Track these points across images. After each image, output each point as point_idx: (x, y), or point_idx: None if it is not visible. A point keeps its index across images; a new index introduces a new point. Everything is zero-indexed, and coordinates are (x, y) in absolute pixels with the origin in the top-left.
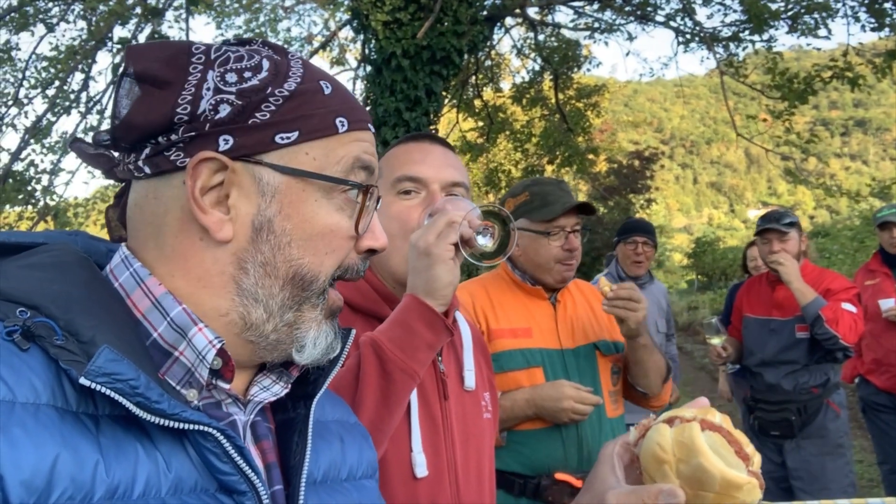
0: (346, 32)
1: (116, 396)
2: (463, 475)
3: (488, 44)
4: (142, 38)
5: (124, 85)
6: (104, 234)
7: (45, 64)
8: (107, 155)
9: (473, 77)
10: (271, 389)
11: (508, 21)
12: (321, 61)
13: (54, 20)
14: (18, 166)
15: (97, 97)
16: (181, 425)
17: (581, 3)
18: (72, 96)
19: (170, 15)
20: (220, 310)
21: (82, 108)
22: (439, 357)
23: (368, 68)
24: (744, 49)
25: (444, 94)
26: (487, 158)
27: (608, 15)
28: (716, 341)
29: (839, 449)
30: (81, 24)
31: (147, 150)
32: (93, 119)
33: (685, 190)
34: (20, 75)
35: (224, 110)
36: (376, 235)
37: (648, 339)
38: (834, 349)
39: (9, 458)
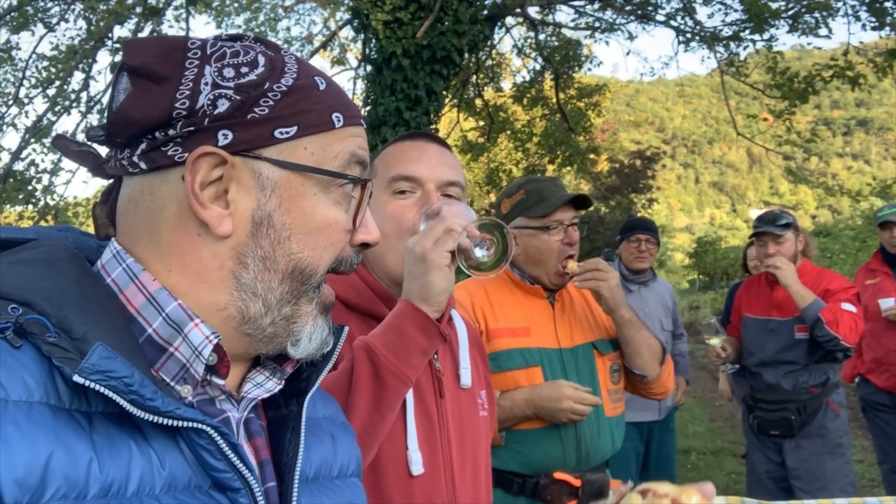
0: (347, 32)
1: (110, 394)
2: (459, 473)
3: (489, 43)
4: None
5: (121, 80)
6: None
7: (45, 63)
8: (92, 152)
9: (474, 76)
10: (265, 386)
11: (509, 21)
12: (321, 61)
13: (54, 20)
14: (19, 166)
15: (97, 97)
16: (175, 422)
17: (582, 3)
18: (72, 96)
19: (170, 15)
20: (219, 304)
21: (83, 108)
22: (435, 355)
23: (369, 68)
24: (745, 48)
25: (444, 93)
26: (488, 158)
27: (609, 14)
28: (714, 342)
29: (839, 448)
30: (81, 23)
31: (143, 146)
32: (93, 118)
33: (687, 189)
34: (20, 75)
35: (223, 105)
36: (370, 229)
37: (632, 314)
38: (835, 350)
39: (2, 457)
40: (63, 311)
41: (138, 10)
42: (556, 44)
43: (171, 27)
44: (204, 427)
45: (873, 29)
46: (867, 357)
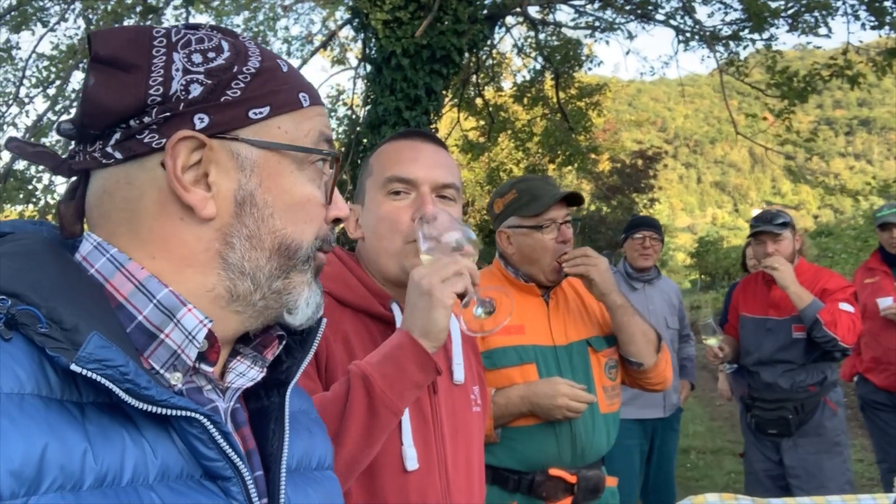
0: (347, 31)
1: (106, 383)
2: (453, 468)
3: (489, 43)
4: None
5: (92, 71)
6: None
7: (45, 63)
8: (48, 152)
9: (474, 76)
10: (247, 375)
11: (509, 20)
12: (322, 60)
13: (54, 19)
14: (19, 165)
15: None
16: (168, 411)
17: (582, 2)
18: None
19: (169, 14)
20: (206, 286)
21: None
22: None
23: (368, 67)
24: (744, 48)
25: (444, 93)
26: (489, 157)
27: (609, 14)
28: (712, 342)
29: (836, 447)
30: (81, 22)
31: (117, 136)
32: None
33: (689, 189)
34: (20, 74)
35: (196, 90)
36: (340, 205)
37: (623, 299)
38: (833, 350)
39: None
40: (52, 301)
41: (138, 9)
42: (556, 43)
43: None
44: (196, 416)
45: (873, 28)
46: (866, 356)
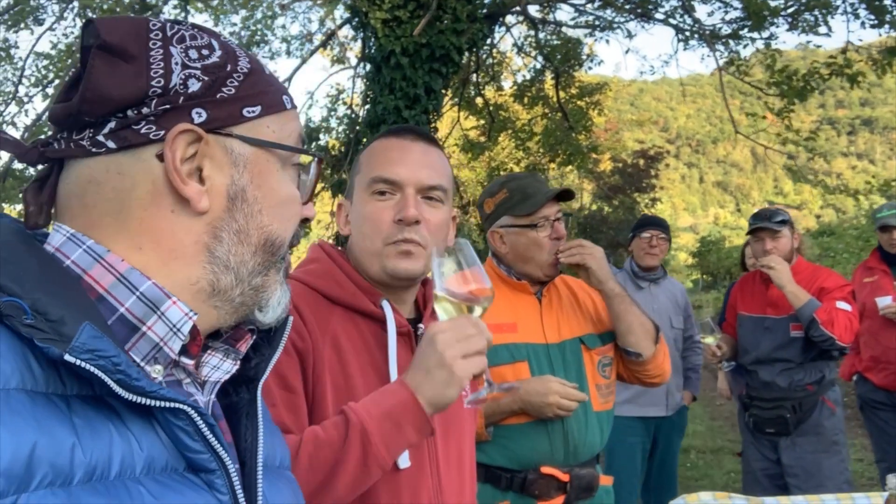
0: (347, 31)
1: (99, 373)
2: (444, 466)
3: (488, 42)
4: None
5: (93, 58)
6: None
7: (44, 62)
8: (10, 140)
9: (474, 75)
10: (222, 368)
11: (509, 19)
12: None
13: (51, 18)
14: (18, 165)
15: None
16: (156, 403)
17: (582, 1)
18: None
19: (168, 12)
20: (191, 279)
21: None
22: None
23: (368, 66)
24: (744, 47)
25: (444, 91)
26: (489, 157)
27: (608, 13)
28: (709, 340)
29: (834, 446)
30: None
31: (111, 125)
32: None
33: (691, 189)
34: (19, 73)
35: (194, 85)
36: (310, 207)
37: (620, 288)
38: (830, 349)
39: None
40: (35, 293)
41: (136, 7)
42: (556, 43)
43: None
44: (184, 407)
45: (872, 27)
46: (865, 355)
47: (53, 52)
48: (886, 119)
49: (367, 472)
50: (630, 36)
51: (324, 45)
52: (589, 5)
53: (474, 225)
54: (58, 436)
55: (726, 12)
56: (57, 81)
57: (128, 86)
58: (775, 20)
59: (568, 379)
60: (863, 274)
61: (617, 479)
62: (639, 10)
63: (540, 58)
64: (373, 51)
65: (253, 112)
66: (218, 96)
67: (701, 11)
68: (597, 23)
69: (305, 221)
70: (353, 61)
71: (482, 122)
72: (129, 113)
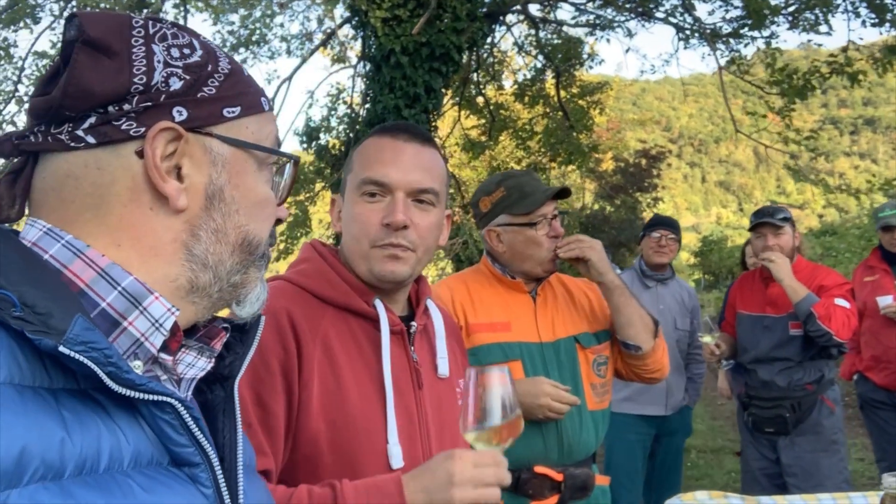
0: (347, 30)
1: (92, 365)
2: None
3: (489, 41)
4: None
5: (77, 52)
6: None
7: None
8: None
9: (475, 74)
10: (197, 365)
11: (510, 18)
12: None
13: (47, 16)
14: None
15: None
16: (144, 396)
17: (583, 0)
18: None
19: (169, 10)
20: (170, 276)
21: None
22: (412, 347)
23: (368, 65)
24: (745, 46)
25: (444, 91)
26: (490, 156)
27: (609, 11)
28: (708, 339)
29: (833, 446)
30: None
31: (92, 120)
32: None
33: (693, 189)
34: (19, 72)
35: (175, 83)
36: (283, 208)
37: (619, 280)
38: (828, 346)
39: None
40: (22, 286)
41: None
42: (557, 42)
43: None
44: (171, 401)
45: (873, 25)
46: (866, 354)
47: (53, 52)
48: (889, 118)
49: None
50: (630, 35)
51: (324, 44)
52: (590, 4)
53: (475, 224)
54: (47, 430)
55: (727, 11)
56: None
57: (110, 81)
58: (776, 19)
59: (562, 378)
60: (863, 273)
61: (617, 477)
62: (639, 9)
63: (541, 57)
64: (373, 50)
65: (233, 112)
66: (199, 95)
67: (701, 10)
68: (597, 21)
69: (278, 222)
70: (354, 60)
71: (483, 121)
72: (110, 109)
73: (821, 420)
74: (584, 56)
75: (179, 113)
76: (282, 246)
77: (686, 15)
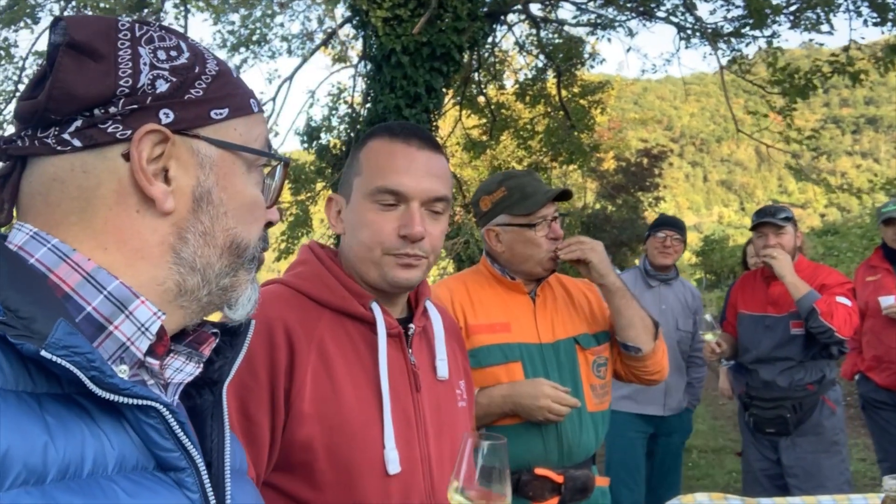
0: (348, 30)
1: (74, 370)
2: (437, 467)
3: (490, 40)
4: None
5: (61, 56)
6: None
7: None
8: None
9: (476, 74)
10: (185, 370)
11: (511, 18)
12: (324, 58)
13: (47, 16)
14: None
15: None
16: (129, 400)
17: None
18: None
19: (170, 9)
20: (157, 279)
21: None
22: (410, 349)
23: (369, 65)
24: (747, 45)
25: (445, 90)
26: (492, 156)
27: (610, 11)
28: (709, 337)
29: (835, 446)
30: None
31: (78, 123)
32: None
33: (695, 188)
34: (19, 72)
35: (162, 85)
36: (274, 211)
37: (621, 283)
38: (829, 343)
39: None
40: (4, 291)
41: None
42: (558, 41)
43: (170, 25)
44: (156, 405)
45: (875, 24)
46: (867, 355)
47: None
48: (891, 118)
49: None
50: (632, 34)
51: (325, 43)
52: (591, 3)
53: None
54: (30, 434)
55: (728, 10)
56: None
57: (95, 84)
58: (777, 18)
59: (562, 379)
60: (866, 273)
61: (618, 475)
62: (640, 8)
63: (542, 56)
64: (373, 49)
65: (220, 114)
66: (186, 97)
67: (703, 9)
68: (598, 21)
69: (269, 225)
70: (355, 60)
71: (484, 120)
72: (96, 112)
73: (822, 421)
74: (586, 55)
75: (166, 115)
76: (283, 245)
77: (687, 14)
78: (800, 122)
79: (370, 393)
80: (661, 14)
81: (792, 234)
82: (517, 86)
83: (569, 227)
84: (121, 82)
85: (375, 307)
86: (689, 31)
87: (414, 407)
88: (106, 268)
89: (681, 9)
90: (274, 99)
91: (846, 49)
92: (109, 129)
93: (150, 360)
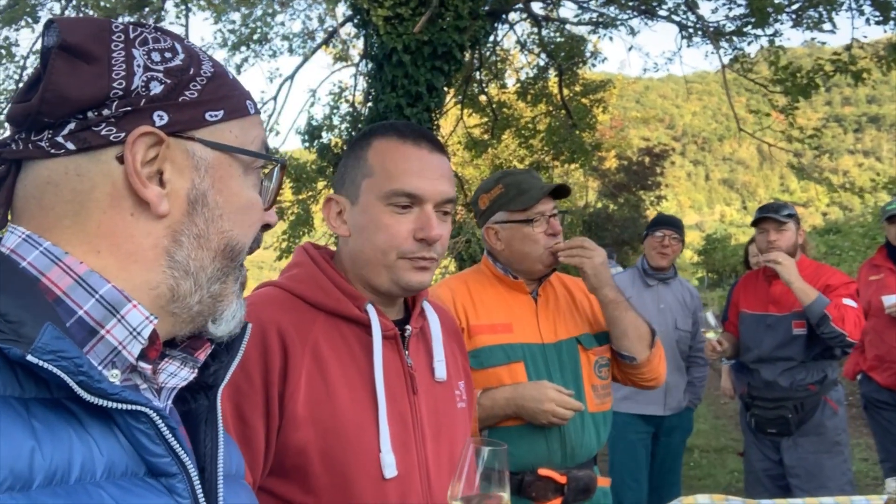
0: (349, 28)
1: (61, 374)
2: (435, 470)
3: (491, 39)
4: None
5: (54, 58)
6: None
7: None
8: None
9: (477, 73)
10: (179, 375)
11: (512, 17)
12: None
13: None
14: None
15: None
16: (117, 405)
17: None
18: None
19: (170, 9)
20: (151, 283)
21: None
22: (406, 351)
23: (370, 64)
24: (749, 44)
25: (445, 89)
26: (493, 154)
27: (612, 10)
28: (710, 335)
29: (837, 447)
30: None
31: (71, 126)
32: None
33: (697, 187)
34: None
35: (156, 87)
36: (272, 213)
37: (616, 294)
38: (840, 346)
39: None
40: None
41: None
42: (560, 40)
43: (171, 25)
44: (145, 410)
45: (877, 23)
46: (869, 354)
47: None
48: (893, 116)
49: None
50: (633, 33)
51: (326, 42)
52: (592, 2)
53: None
54: (17, 439)
55: (730, 9)
56: None
57: (88, 87)
58: (779, 17)
59: (564, 379)
60: (868, 272)
61: (619, 476)
62: (642, 7)
63: (543, 55)
64: (375, 48)
65: (215, 116)
66: (180, 99)
67: (704, 8)
68: (600, 20)
69: (266, 227)
70: (356, 58)
71: (486, 119)
72: (90, 114)
73: (824, 421)
74: (587, 54)
75: (160, 117)
76: (283, 245)
77: (689, 13)
78: (802, 120)
79: (365, 396)
80: (662, 13)
81: (793, 231)
82: (519, 84)
83: (571, 225)
84: (114, 84)
85: (370, 309)
86: (690, 30)
87: (411, 409)
88: (98, 271)
89: (682, 7)
90: (275, 98)
91: (848, 48)
92: (103, 132)
93: (142, 364)
